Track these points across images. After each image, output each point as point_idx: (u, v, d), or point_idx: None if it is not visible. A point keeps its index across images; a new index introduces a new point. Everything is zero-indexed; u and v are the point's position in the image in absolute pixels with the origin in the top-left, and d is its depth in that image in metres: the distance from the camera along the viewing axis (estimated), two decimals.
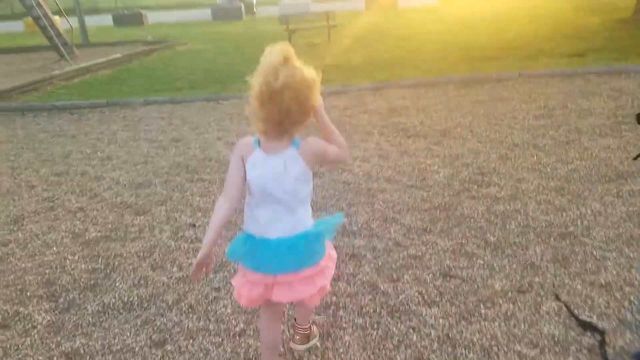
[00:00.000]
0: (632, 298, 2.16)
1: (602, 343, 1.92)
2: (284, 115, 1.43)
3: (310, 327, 2.01)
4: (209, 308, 2.30)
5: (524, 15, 13.90)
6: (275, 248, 1.54)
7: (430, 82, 6.64)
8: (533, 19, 12.74)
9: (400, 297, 2.29)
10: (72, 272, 2.67)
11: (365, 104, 5.90)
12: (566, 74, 6.50)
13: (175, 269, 2.66)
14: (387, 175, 3.75)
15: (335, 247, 2.70)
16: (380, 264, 2.57)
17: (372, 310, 2.21)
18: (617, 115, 4.72)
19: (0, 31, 20.94)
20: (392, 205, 3.25)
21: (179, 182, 3.89)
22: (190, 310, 2.30)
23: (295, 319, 2.03)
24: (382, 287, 2.36)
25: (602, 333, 1.97)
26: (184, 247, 2.88)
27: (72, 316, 2.30)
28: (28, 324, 2.26)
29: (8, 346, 2.13)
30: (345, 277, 2.47)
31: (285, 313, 2.20)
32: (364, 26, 14.76)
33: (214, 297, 2.38)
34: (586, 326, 2.02)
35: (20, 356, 2.07)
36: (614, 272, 2.36)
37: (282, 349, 1.99)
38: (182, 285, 2.50)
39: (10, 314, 2.33)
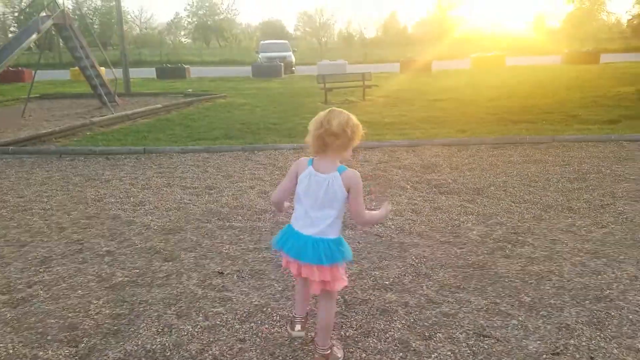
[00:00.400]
0: None
1: None
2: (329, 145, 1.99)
3: (330, 348, 2.18)
4: None
5: (559, 82, 14.03)
6: (304, 241, 2.02)
7: (464, 141, 6.67)
8: (568, 86, 12.82)
9: (433, 356, 2.19)
10: (95, 317, 2.66)
11: (399, 159, 5.95)
12: (600, 139, 6.44)
13: (200, 317, 2.62)
14: (420, 230, 3.70)
15: (367, 301, 2.67)
16: (412, 320, 2.49)
17: None
18: None
19: (48, 79, 22.02)
20: (425, 260, 3.18)
21: (209, 228, 3.94)
22: None
23: (315, 341, 2.22)
24: (413, 345, 2.27)
25: None
26: (211, 296, 2.85)
27: None
28: None
29: None
30: (376, 333, 2.39)
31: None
32: (398, 87, 15.18)
33: (239, 349, 2.32)
34: None
35: None
36: None
37: None
38: (206, 335, 2.45)
39: (28, 358, 2.31)
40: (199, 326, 2.53)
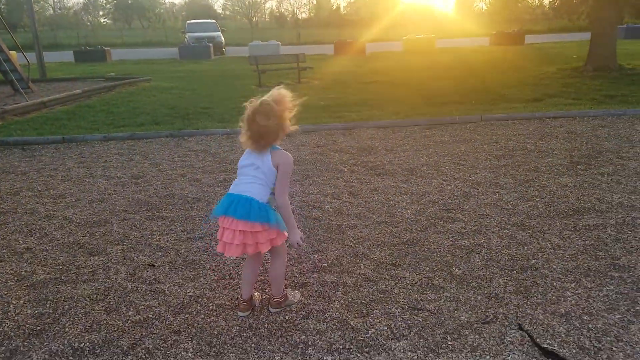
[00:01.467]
0: (590, 326, 2.19)
1: None
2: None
3: (283, 295, 2.45)
4: (168, 352, 2.15)
5: (487, 63, 14.72)
6: (235, 198, 2.24)
7: (398, 123, 6.82)
8: (495, 67, 13.49)
9: (370, 332, 2.22)
10: (15, 318, 2.44)
11: (336, 142, 5.97)
12: (525, 117, 6.83)
13: (131, 312, 2.48)
14: (357, 212, 3.74)
15: (306, 284, 2.66)
16: (350, 299, 2.51)
17: (341, 347, 2.13)
18: (572, 155, 4.95)
19: None
20: (362, 241, 3.22)
21: (137, 220, 3.74)
22: (147, 355, 2.14)
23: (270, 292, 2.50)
24: (351, 323, 2.29)
25: None
26: (142, 289, 2.71)
27: None
28: None
29: None
30: (315, 315, 2.38)
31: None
32: (333, 69, 15.22)
33: (174, 341, 2.23)
34: (548, 354, 2.04)
35: None
36: (573, 302, 2.41)
37: None
38: (139, 330, 2.33)
39: None
40: (130, 321, 2.40)
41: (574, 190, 3.98)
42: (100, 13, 72.93)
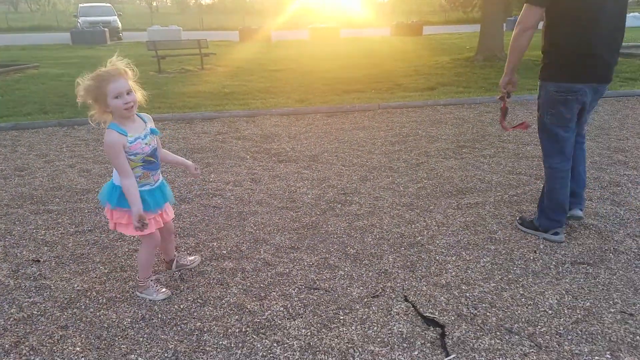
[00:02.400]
0: (467, 294, 2.47)
1: (442, 335, 2.15)
2: None
3: (142, 283, 2.45)
4: (55, 348, 2.06)
5: (387, 53, 15.38)
6: None
7: (301, 111, 6.94)
8: (394, 57, 14.16)
9: (266, 314, 2.30)
10: None
11: (239, 130, 5.93)
12: (418, 105, 7.31)
13: (14, 309, 2.33)
14: (259, 198, 3.79)
15: (203, 272, 2.66)
16: (248, 284, 2.56)
17: (237, 331, 2.18)
18: (459, 140, 5.41)
19: None
20: (263, 226, 3.28)
21: (21, 214, 3.46)
22: (32, 352, 2.03)
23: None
24: (249, 307, 2.35)
25: (442, 327, 2.21)
26: (25, 286, 2.55)
27: None
28: None
29: None
30: (212, 301, 2.41)
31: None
32: (238, 56, 14.95)
33: (61, 336, 2.13)
34: (429, 322, 2.25)
35: None
36: (453, 273, 2.68)
37: None
38: (22, 327, 2.20)
39: None
40: (12, 318, 2.27)
41: (459, 171, 4.38)
42: None
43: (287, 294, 2.47)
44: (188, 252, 2.92)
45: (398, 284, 2.57)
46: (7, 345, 2.07)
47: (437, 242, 3.06)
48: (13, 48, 18.71)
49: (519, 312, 2.31)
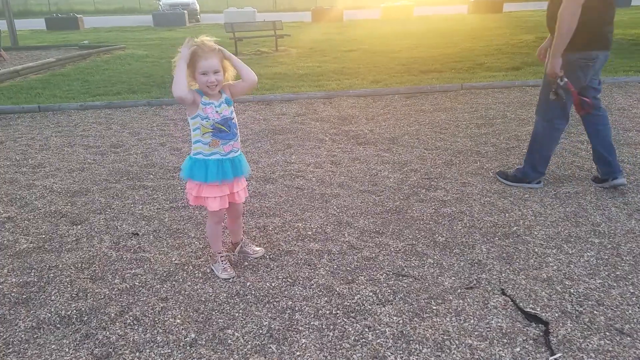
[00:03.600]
0: (572, 290, 2.28)
1: (547, 333, 2.01)
2: None
3: (212, 256, 2.57)
4: (156, 319, 2.17)
5: (465, 32, 14.65)
6: None
7: (378, 92, 6.79)
8: (473, 35, 13.45)
9: (356, 298, 2.27)
10: (0, 287, 2.43)
11: (316, 111, 5.93)
12: (505, 86, 6.88)
13: (117, 280, 2.49)
14: (340, 181, 3.76)
15: (291, 252, 2.69)
16: (335, 267, 2.55)
17: (328, 312, 2.18)
18: None
19: None
20: (346, 209, 3.25)
21: (119, 189, 3.69)
22: (135, 322, 2.15)
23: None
24: (337, 289, 2.34)
25: (546, 324, 2.06)
26: (127, 257, 2.71)
27: (1, 334, 2.08)
28: None
29: None
30: (301, 281, 2.42)
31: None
32: (310, 37, 14.94)
33: (162, 308, 2.25)
34: (531, 318, 2.11)
35: None
36: (555, 267, 2.49)
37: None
38: (125, 297, 2.34)
39: None
40: (116, 289, 2.41)
41: (554, 158, 4.06)
42: None
43: (375, 279, 2.43)
44: (275, 231, 2.96)
45: (494, 276, 2.44)
46: (112, 314, 2.21)
47: (535, 233, 2.86)
48: (100, 30, 20.03)
49: (630, 312, 2.11)
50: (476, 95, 6.49)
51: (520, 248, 2.70)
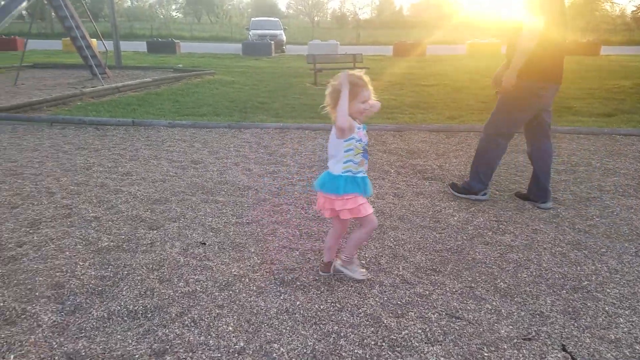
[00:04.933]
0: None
1: None
2: None
3: (349, 260, 2.69)
4: (211, 324, 2.30)
5: None
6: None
7: (452, 128, 6.71)
8: (564, 77, 12.87)
9: (403, 333, 2.25)
10: (81, 277, 2.70)
11: (385, 143, 5.98)
12: (593, 132, 6.50)
13: (182, 283, 2.67)
14: (401, 214, 3.75)
15: (342, 279, 2.72)
16: (385, 299, 2.55)
17: (373, 343, 2.17)
18: None
19: (41, 48, 21.96)
20: (403, 243, 3.24)
21: (194, 201, 3.96)
22: (192, 324, 2.30)
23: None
24: (385, 322, 2.33)
25: None
26: (192, 264, 2.90)
27: (77, 319, 2.32)
28: (34, 322, 2.28)
29: (12, 342, 2.14)
30: (349, 308, 2.45)
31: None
32: (390, 70, 15.13)
33: (217, 314, 2.38)
34: None
35: (22, 352, 2.08)
36: (625, 329, 2.30)
37: None
38: (187, 300, 2.51)
39: (17, 312, 2.36)
40: (179, 291, 2.58)
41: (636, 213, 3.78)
42: (173, 7, 76.53)
43: (425, 316, 2.39)
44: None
45: (556, 330, 2.30)
46: (173, 314, 2.37)
47: (608, 290, 2.67)
48: (194, 55, 21.67)
49: None
50: (560, 139, 6.19)
51: (589, 304, 2.52)
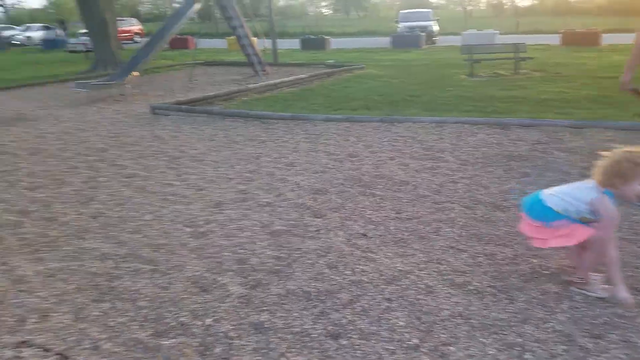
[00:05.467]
0: None
1: None
2: None
3: (581, 281, 2.48)
4: (381, 316, 2.30)
5: None
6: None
7: None
8: None
9: (603, 356, 1.97)
10: (260, 256, 2.96)
11: (562, 141, 5.36)
12: None
13: (348, 272, 2.75)
14: None
15: (522, 288, 2.51)
16: (578, 316, 2.26)
17: None
18: None
19: (208, 47, 24.69)
20: None
21: (352, 193, 4.04)
22: (363, 313, 2.34)
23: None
24: (579, 341, 2.07)
25: None
26: (356, 254, 2.96)
27: (259, 293, 2.54)
28: (224, 292, 2.56)
29: (207, 307, 2.43)
30: (534, 321, 2.23)
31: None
32: (557, 61, 13.62)
33: (386, 307, 2.38)
34: None
35: (216, 318, 2.34)
36: None
37: None
38: (355, 288, 2.57)
39: (209, 281, 2.68)
40: (347, 279, 2.66)
41: None
42: (323, 4, 79.81)
43: (631, 341, 2.06)
44: (505, 262, 2.80)
45: None
46: (344, 300, 2.45)
47: None
48: (344, 50, 22.25)
49: None
50: None
51: None
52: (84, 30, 19.54)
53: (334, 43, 25.52)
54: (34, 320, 2.37)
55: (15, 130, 6.88)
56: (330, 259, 2.90)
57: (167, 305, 2.45)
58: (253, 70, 13.15)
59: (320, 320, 2.28)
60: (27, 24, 35.26)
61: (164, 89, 10.96)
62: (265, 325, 2.26)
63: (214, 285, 2.63)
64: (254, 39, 14.62)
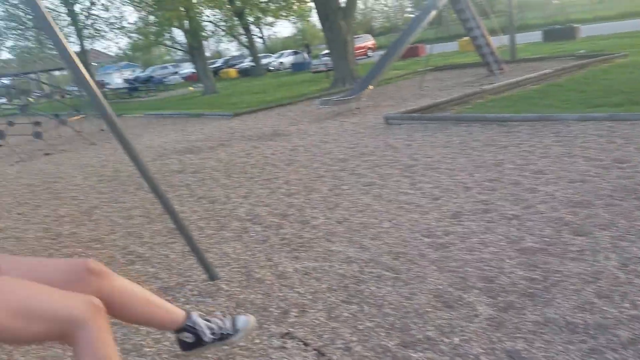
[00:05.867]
0: None
1: None
2: None
3: None
4: None
5: None
6: None
7: None
8: None
9: None
10: (509, 275, 2.68)
11: None
12: None
13: (627, 304, 2.24)
14: None
15: None
16: None
17: None
18: None
19: (437, 52, 24.40)
20: None
21: (625, 207, 3.32)
22: None
23: None
24: None
25: None
26: (637, 283, 2.39)
27: (511, 317, 2.29)
28: (471, 311, 2.40)
29: (453, 325, 2.31)
30: None
31: None
32: None
33: None
34: None
35: (464, 338, 2.20)
36: None
37: None
38: (637, 325, 2.07)
39: (454, 297, 2.55)
40: (626, 313, 2.18)
41: None
42: None
43: None
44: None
45: None
46: (624, 338, 2.01)
47: None
48: (597, 38, 19.04)
49: None
50: None
51: None
52: (325, 52, 21.93)
53: (585, 30, 22.19)
54: (294, 314, 2.65)
55: (273, 145, 8.10)
56: (600, 286, 2.42)
57: (412, 317, 2.43)
58: (488, 70, 12.50)
59: (590, 358, 1.91)
60: (280, 51, 41.42)
61: (395, 98, 11.37)
62: (522, 355, 2.01)
63: (460, 302, 2.48)
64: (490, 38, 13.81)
